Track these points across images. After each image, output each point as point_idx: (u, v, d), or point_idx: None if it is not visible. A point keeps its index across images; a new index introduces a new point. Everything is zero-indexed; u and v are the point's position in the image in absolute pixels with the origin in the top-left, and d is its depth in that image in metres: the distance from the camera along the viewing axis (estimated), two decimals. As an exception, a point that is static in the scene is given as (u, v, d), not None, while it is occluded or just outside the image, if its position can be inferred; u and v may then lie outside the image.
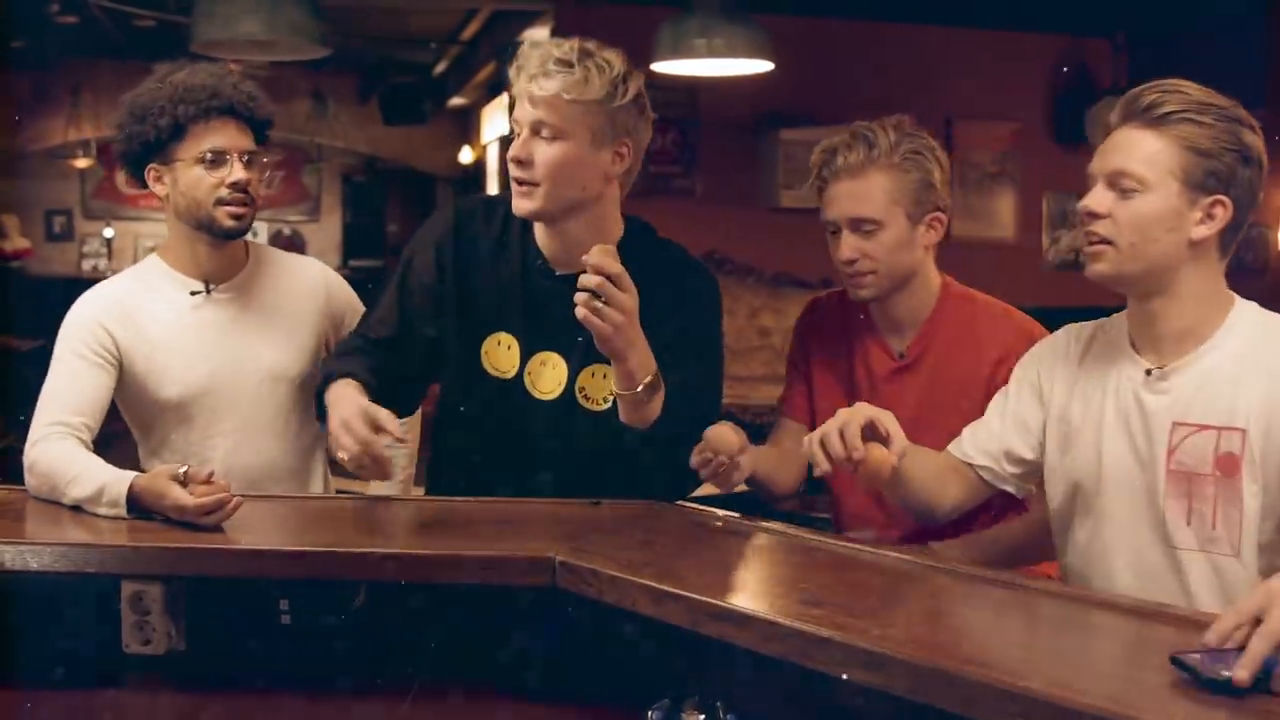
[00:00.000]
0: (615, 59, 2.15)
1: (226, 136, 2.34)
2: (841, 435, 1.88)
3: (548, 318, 2.24)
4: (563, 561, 1.86)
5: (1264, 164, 1.86)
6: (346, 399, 2.13)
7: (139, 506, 2.08)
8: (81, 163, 11.53)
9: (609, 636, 1.86)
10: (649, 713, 1.57)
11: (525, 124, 2.14)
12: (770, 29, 5.01)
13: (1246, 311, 1.90)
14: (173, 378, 2.39)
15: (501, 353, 2.26)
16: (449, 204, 2.41)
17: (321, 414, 2.24)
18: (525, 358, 2.25)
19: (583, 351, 2.21)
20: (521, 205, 2.18)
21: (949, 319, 2.36)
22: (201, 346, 2.40)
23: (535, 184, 2.14)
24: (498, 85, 8.86)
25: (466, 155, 11.59)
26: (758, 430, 2.53)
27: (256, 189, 2.40)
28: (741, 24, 4.79)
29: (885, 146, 2.25)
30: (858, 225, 2.27)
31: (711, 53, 4.81)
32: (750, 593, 1.86)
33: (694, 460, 2.06)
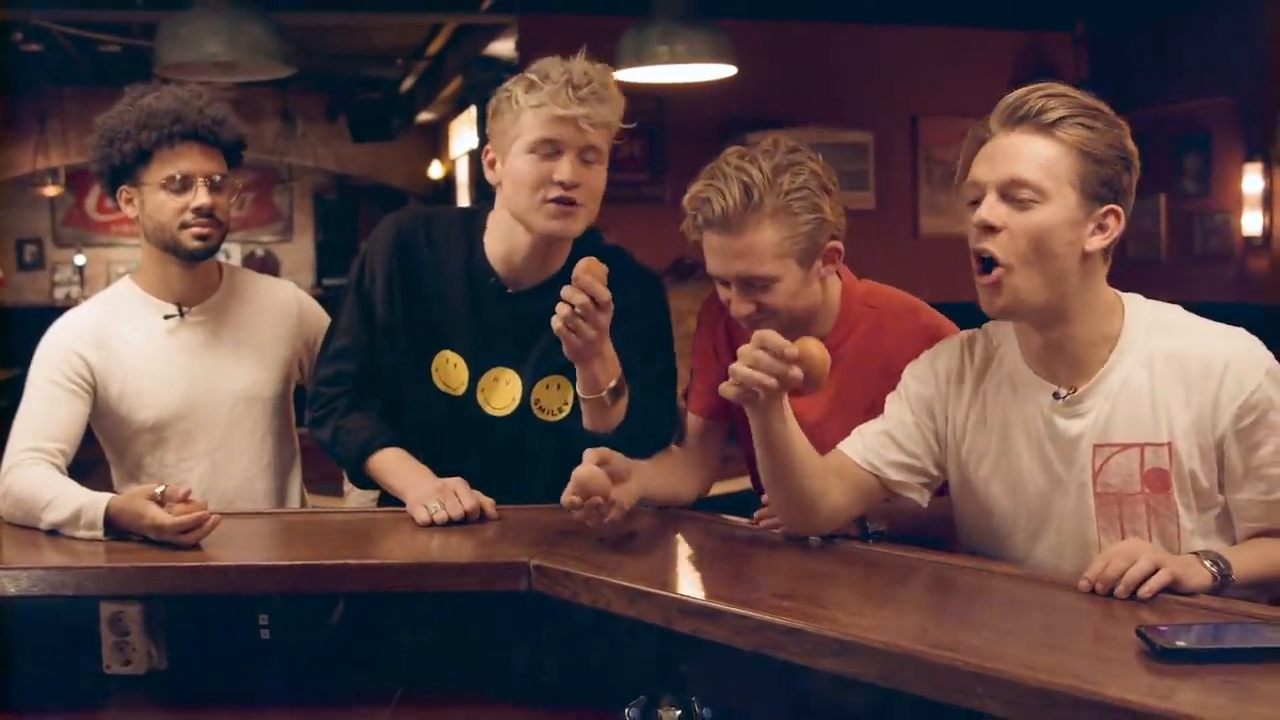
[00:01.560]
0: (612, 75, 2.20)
1: (191, 161, 2.34)
2: (764, 346, 1.76)
3: (500, 335, 2.26)
4: (537, 565, 1.88)
5: (1139, 171, 1.78)
6: (419, 472, 2.22)
7: (116, 527, 2.09)
8: (51, 190, 11.50)
9: (585, 638, 1.88)
10: (626, 710, 1.59)
11: (572, 147, 2.11)
12: (733, 34, 5.05)
13: (1139, 313, 1.81)
14: (147, 401, 2.39)
15: (450, 370, 2.29)
16: (387, 223, 2.35)
17: (361, 479, 2.31)
18: (476, 375, 2.27)
19: (535, 365, 2.25)
20: (569, 226, 2.16)
21: (853, 329, 2.17)
22: (175, 369, 2.41)
23: (581, 205, 2.14)
24: (465, 99, 8.88)
25: (436, 170, 11.61)
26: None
27: (225, 211, 2.40)
28: (703, 30, 4.82)
29: (763, 186, 2.00)
30: (746, 283, 2.05)
31: (674, 59, 4.84)
32: (722, 588, 1.88)
33: (564, 500, 1.94)
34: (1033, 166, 1.73)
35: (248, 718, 1.94)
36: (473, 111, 8.48)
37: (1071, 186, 1.73)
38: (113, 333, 2.40)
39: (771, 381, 1.76)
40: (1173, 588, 1.61)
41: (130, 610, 2.01)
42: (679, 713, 1.57)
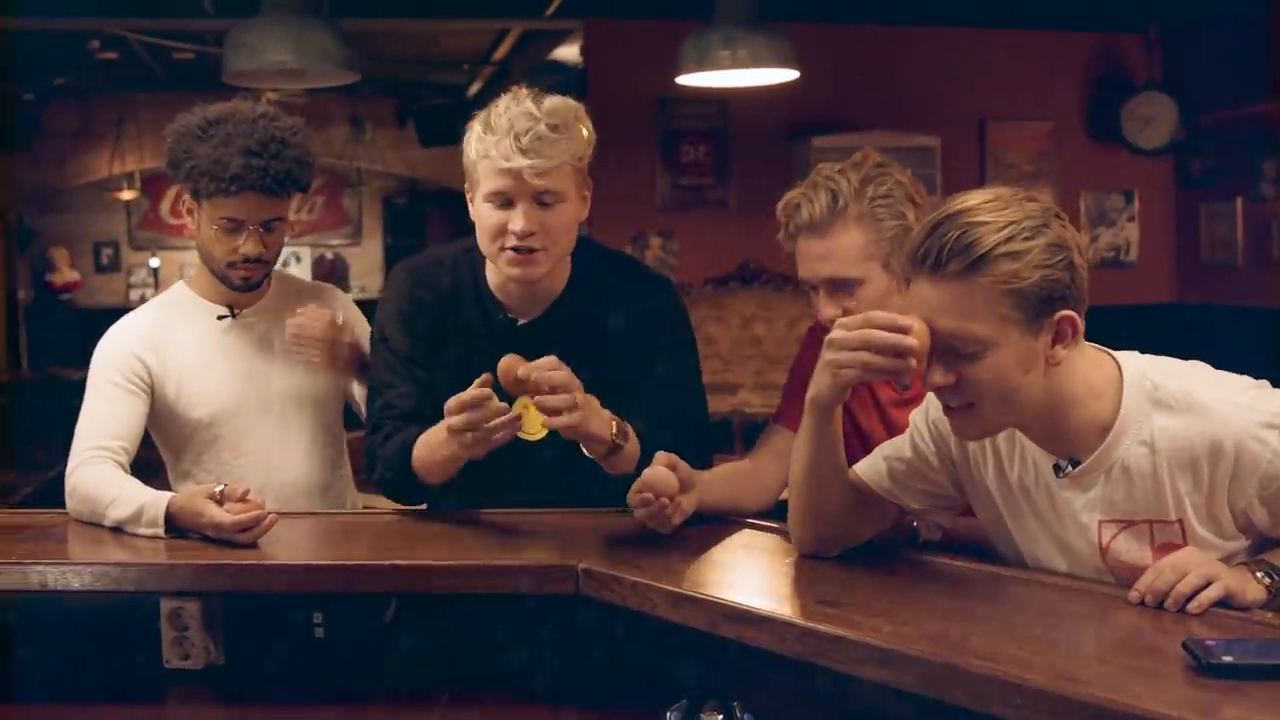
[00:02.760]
0: (573, 106, 2.17)
1: (246, 210, 2.35)
2: (874, 324, 1.69)
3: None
4: (585, 569, 1.90)
5: (1081, 249, 1.68)
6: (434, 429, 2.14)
7: (176, 525, 2.14)
8: (126, 195, 11.73)
9: (630, 642, 1.89)
10: (668, 713, 1.60)
11: (523, 196, 2.11)
12: (797, 38, 5.03)
13: (1135, 387, 1.71)
14: (201, 400, 2.45)
15: None
16: (399, 272, 2.38)
17: (410, 483, 2.24)
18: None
19: None
20: (530, 273, 2.16)
21: None
22: (227, 369, 2.47)
23: (539, 250, 2.14)
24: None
25: (503, 174, 11.66)
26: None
27: (276, 248, 2.43)
28: (764, 34, 4.80)
29: (850, 194, 2.08)
30: (834, 285, 2.12)
31: (736, 64, 4.83)
32: (767, 594, 1.89)
33: (630, 499, 1.98)
34: (965, 319, 1.63)
35: (300, 714, 1.99)
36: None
37: (1010, 323, 1.63)
38: (168, 334, 2.46)
39: (889, 364, 1.69)
40: (1226, 602, 1.58)
41: (189, 607, 2.06)
42: (720, 717, 1.58)
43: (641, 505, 1.98)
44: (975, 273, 1.62)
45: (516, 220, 2.11)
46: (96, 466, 2.28)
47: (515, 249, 2.14)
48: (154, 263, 12.94)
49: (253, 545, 2.08)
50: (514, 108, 2.12)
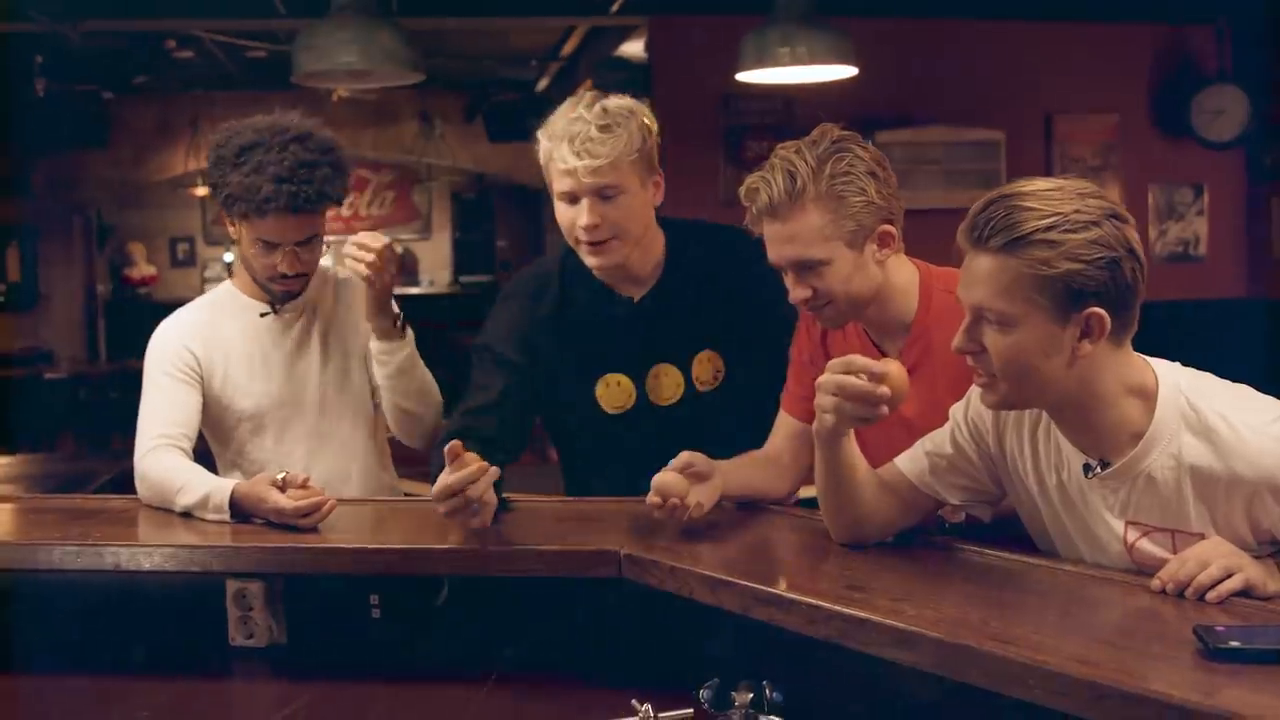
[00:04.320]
0: (628, 104, 2.32)
1: (280, 231, 2.44)
2: (850, 370, 1.82)
3: (641, 338, 2.44)
4: (627, 554, 1.98)
5: (1136, 252, 1.69)
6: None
7: (241, 510, 2.25)
8: (201, 191, 11.94)
9: (670, 625, 1.97)
10: (700, 691, 1.66)
11: (585, 193, 2.28)
12: (860, 32, 5.04)
13: (1171, 398, 1.73)
14: (246, 391, 2.57)
15: (614, 391, 2.45)
16: (511, 293, 2.53)
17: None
18: (639, 380, 2.45)
19: (686, 349, 2.45)
20: (606, 260, 2.35)
21: (937, 318, 2.16)
22: (271, 362, 2.58)
23: (610, 239, 2.32)
24: (597, 100, 9.02)
25: (570, 169, 11.73)
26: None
27: (314, 260, 2.52)
28: (823, 31, 4.82)
29: (807, 175, 2.06)
30: (799, 267, 2.11)
31: (795, 61, 4.86)
32: (799, 579, 1.94)
33: (648, 501, 2.07)
34: (994, 294, 1.70)
35: (356, 691, 2.07)
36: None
37: (1036, 307, 1.68)
38: (215, 329, 2.58)
39: (862, 410, 1.82)
40: (1248, 592, 1.62)
41: (253, 587, 2.17)
42: (751, 695, 1.64)
43: (655, 508, 2.06)
44: (1011, 252, 1.68)
45: (582, 215, 2.29)
46: (162, 455, 2.40)
47: (588, 241, 2.31)
48: (228, 257, 13.17)
49: (314, 530, 2.18)
50: (569, 113, 2.29)
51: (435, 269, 13.53)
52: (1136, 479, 1.74)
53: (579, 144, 2.24)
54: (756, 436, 2.36)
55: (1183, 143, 7.16)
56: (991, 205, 1.71)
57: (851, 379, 1.83)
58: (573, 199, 2.30)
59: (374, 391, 2.62)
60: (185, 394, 2.51)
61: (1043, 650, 1.44)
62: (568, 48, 8.92)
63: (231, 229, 2.54)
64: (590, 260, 2.36)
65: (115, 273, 12.32)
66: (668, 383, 2.44)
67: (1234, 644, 1.39)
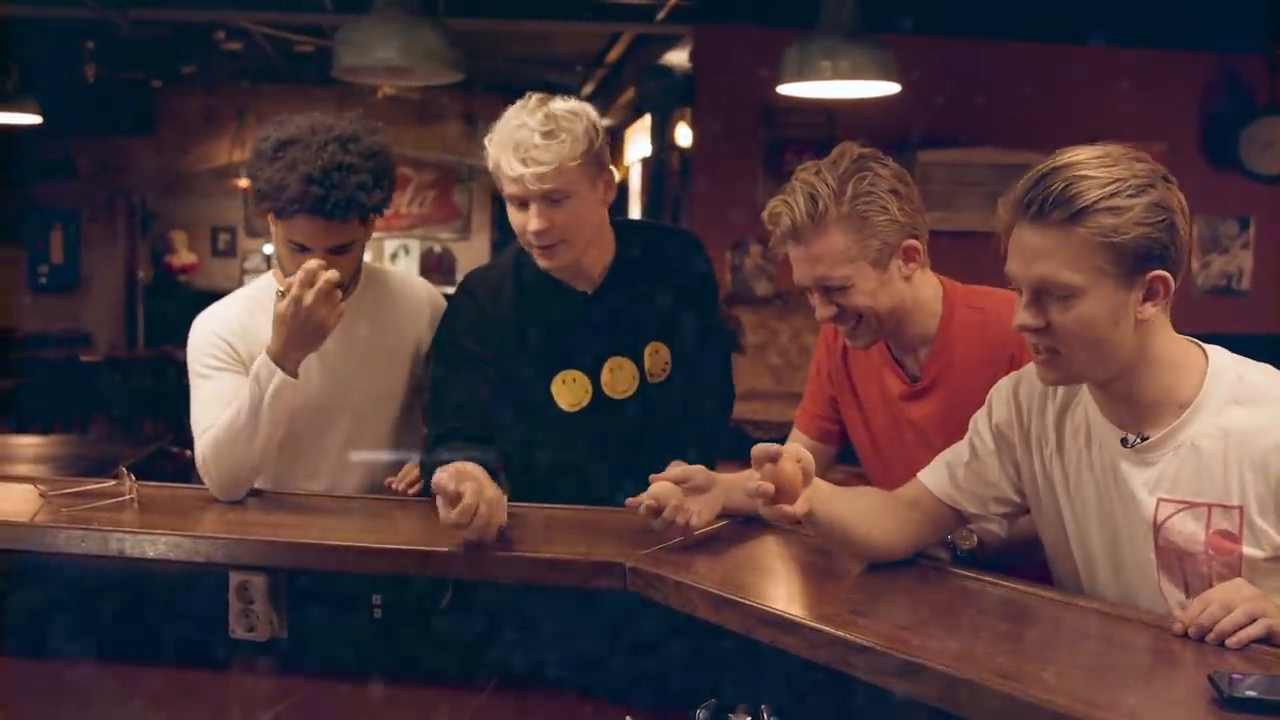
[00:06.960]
0: (573, 106, 2.33)
1: (310, 234, 2.35)
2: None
3: (595, 330, 2.45)
4: (633, 567, 1.94)
5: (1185, 212, 1.69)
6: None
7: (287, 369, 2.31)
8: (244, 182, 12.03)
9: (666, 639, 1.93)
10: (696, 712, 1.63)
11: (532, 198, 2.29)
12: (907, 50, 5.00)
13: (1222, 368, 1.75)
14: None
15: (571, 388, 2.45)
16: (469, 289, 2.53)
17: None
18: (595, 375, 2.45)
19: (639, 341, 2.48)
20: (555, 262, 2.37)
21: (960, 335, 2.18)
22: (311, 360, 2.44)
23: (559, 242, 2.34)
24: (640, 107, 9.01)
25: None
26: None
27: (350, 266, 2.44)
28: (866, 46, 4.78)
29: (828, 197, 2.05)
30: (824, 287, 2.11)
31: (837, 75, 4.82)
32: (804, 601, 1.91)
33: (642, 511, 2.04)
34: (1060, 267, 1.68)
35: (355, 690, 2.06)
36: (646, 120, 8.59)
37: (1104, 275, 1.67)
38: (254, 322, 2.49)
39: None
40: (1270, 639, 1.57)
41: (256, 581, 2.14)
42: (749, 719, 1.60)
43: (651, 514, 2.03)
44: (1075, 224, 1.66)
45: (531, 220, 2.31)
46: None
47: (539, 245, 2.35)
48: (268, 249, 13.24)
49: (319, 525, 2.15)
50: (514, 120, 2.31)
51: (473, 269, 13.51)
52: (1179, 448, 1.73)
53: (523, 151, 2.26)
54: (695, 432, 2.48)
55: (1230, 174, 7.07)
56: (1046, 177, 1.69)
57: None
58: (522, 203, 2.32)
59: (416, 389, 2.60)
60: (232, 381, 2.42)
61: (1050, 689, 1.39)
62: (613, 54, 8.92)
63: (273, 225, 2.45)
64: (542, 262, 2.39)
65: (156, 259, 12.40)
66: (623, 375, 2.46)
67: (1250, 693, 1.33)
